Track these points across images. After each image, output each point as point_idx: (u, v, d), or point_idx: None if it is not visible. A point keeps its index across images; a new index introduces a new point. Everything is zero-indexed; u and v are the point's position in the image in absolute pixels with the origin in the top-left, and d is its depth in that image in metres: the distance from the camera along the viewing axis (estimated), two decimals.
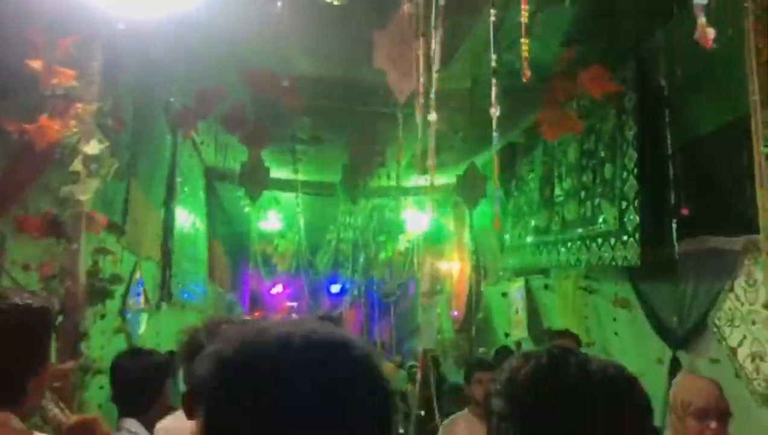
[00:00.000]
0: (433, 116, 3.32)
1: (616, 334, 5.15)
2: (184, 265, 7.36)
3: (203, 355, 0.77)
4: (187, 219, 7.60)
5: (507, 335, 7.74)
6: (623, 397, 1.03)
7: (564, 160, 5.58)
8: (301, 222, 9.74)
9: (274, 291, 21.99)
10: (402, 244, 10.80)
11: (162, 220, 6.37)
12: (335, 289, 18.74)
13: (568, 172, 5.51)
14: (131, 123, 4.60)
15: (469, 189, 6.57)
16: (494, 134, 3.05)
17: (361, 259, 11.85)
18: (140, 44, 4.03)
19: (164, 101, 5.89)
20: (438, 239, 10.81)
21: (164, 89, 5.70)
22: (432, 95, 3.35)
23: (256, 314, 24.35)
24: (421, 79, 3.41)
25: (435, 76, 3.36)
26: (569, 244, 5.41)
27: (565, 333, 4.79)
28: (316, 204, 10.26)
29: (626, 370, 1.07)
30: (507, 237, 7.07)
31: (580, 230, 5.13)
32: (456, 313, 10.14)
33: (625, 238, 4.46)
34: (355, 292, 14.68)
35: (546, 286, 6.60)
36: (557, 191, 5.75)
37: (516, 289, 7.40)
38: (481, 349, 8.52)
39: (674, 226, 4.12)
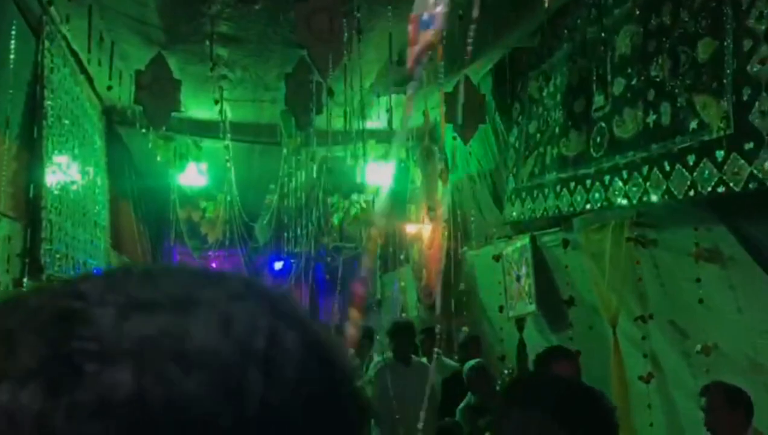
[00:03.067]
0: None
1: (701, 301, 3.49)
2: (70, 229, 5.33)
3: None
4: (74, 169, 5.55)
5: (501, 310, 6.06)
6: None
7: (611, 56, 3.86)
8: (233, 177, 7.76)
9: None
10: (358, 205, 8.96)
11: (24, 161, 4.35)
12: (278, 266, 16.73)
13: (618, 70, 3.79)
14: None
15: (463, 112, 4.79)
16: None
17: (309, 227, 9.92)
18: None
19: None
20: (401, 196, 9.02)
21: None
22: None
23: None
24: None
25: None
26: (624, 172, 3.70)
27: (559, 355, 3.26)
28: (251, 155, 8.28)
29: None
30: (510, 180, 5.32)
31: (654, 147, 3.41)
32: (425, 285, 8.42)
33: (750, 144, 2.77)
34: (301, 267, 12.64)
35: (565, 243, 4.91)
36: (597, 102, 4.03)
37: (516, 250, 5.70)
38: (464, 328, 6.83)
39: None
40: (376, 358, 7.16)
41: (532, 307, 5.44)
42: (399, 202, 9.26)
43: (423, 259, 8.45)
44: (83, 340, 0.32)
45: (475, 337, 6.21)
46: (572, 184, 4.32)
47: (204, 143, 7.49)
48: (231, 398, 0.32)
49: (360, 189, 8.79)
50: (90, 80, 6.22)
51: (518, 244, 5.63)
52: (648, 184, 3.48)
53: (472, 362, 5.03)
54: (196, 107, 6.52)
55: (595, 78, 4.07)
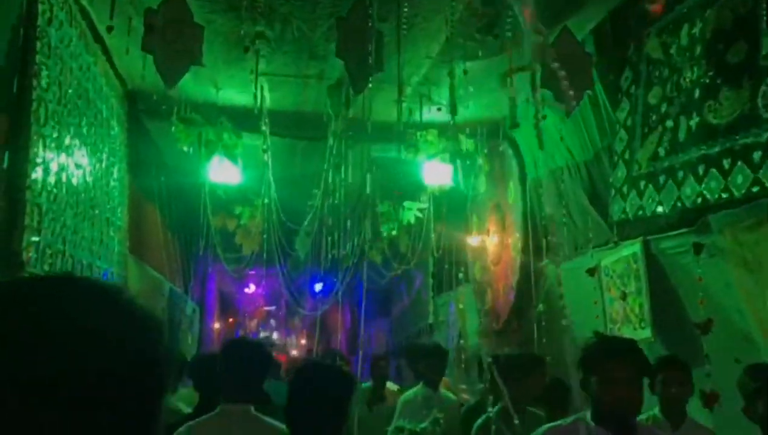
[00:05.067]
0: None
1: None
2: (71, 222, 4.37)
3: None
4: (80, 152, 4.61)
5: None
6: None
7: None
8: (271, 176, 6.75)
9: (248, 290, 18.81)
10: (412, 214, 7.84)
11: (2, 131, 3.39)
12: (319, 287, 15.64)
13: None
14: None
15: (565, 75, 3.65)
16: None
17: (355, 239, 8.83)
18: None
19: None
20: (461, 203, 7.88)
21: None
22: None
23: (230, 321, 21.21)
24: None
25: None
26: None
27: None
28: (293, 153, 7.28)
29: None
30: (620, 167, 4.14)
31: None
32: (490, 308, 7.22)
33: None
34: (342, 287, 11.43)
35: (697, 247, 3.69)
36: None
37: (621, 260, 4.50)
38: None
39: None
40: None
41: (646, 333, 4.21)
42: (458, 211, 8.13)
43: (487, 277, 7.27)
44: None
45: (559, 382, 4.77)
46: (726, 162, 3.13)
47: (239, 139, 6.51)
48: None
49: (415, 195, 7.68)
50: (109, 57, 5.32)
51: (624, 252, 4.43)
52: None
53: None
54: (228, 87, 5.56)
55: (765, 12, 2.91)
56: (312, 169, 7.48)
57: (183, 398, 4.79)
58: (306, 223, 9.34)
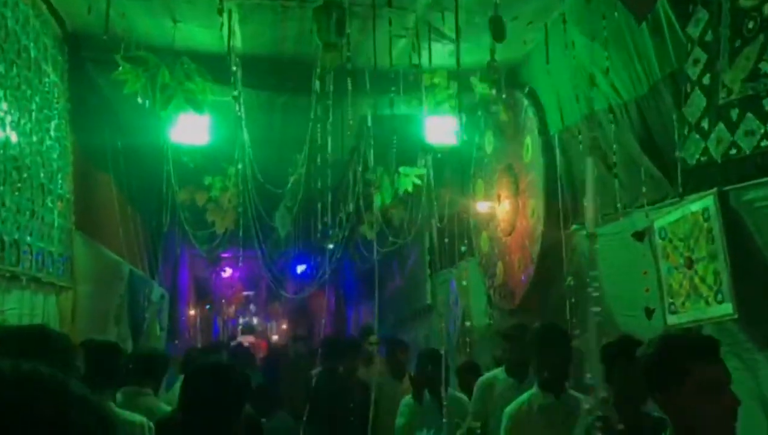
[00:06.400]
0: None
1: None
2: None
3: None
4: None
5: (651, 314, 3.96)
6: None
7: None
8: (246, 137, 5.72)
9: (224, 274, 17.70)
10: (410, 182, 6.87)
11: None
12: (301, 269, 14.62)
13: None
14: None
15: None
16: None
17: (344, 212, 7.85)
18: None
19: None
20: (463, 167, 6.95)
21: None
22: None
23: (206, 307, 20.08)
24: None
25: None
26: None
27: None
28: (271, 111, 6.27)
29: None
30: (696, 97, 3.21)
31: None
32: (501, 284, 6.33)
33: None
34: (329, 269, 10.37)
35: None
36: None
37: (684, 220, 3.60)
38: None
39: None
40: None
41: (724, 308, 3.32)
42: (460, 176, 7.20)
43: (498, 250, 6.37)
44: None
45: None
46: None
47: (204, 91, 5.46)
48: None
49: (413, 160, 6.72)
50: None
51: (693, 208, 3.53)
52: None
53: None
54: (188, 19, 4.53)
55: None
56: (293, 131, 6.47)
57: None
58: (286, 195, 8.35)
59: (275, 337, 21.82)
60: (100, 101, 5.66)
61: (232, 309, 22.15)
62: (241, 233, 7.42)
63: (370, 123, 6.16)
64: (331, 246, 9.06)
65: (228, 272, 16.87)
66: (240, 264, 12.82)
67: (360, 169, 6.64)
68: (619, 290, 4.47)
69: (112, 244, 5.98)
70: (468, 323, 6.94)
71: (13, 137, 3.76)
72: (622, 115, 4.03)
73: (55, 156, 4.56)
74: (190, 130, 5.07)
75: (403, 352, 5.79)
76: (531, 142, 5.49)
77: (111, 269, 5.79)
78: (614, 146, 4.16)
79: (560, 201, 5.02)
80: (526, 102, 5.51)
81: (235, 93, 4.55)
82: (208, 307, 19.50)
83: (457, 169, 7.10)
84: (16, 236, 3.74)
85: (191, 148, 6.22)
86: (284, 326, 22.46)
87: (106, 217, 5.95)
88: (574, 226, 4.89)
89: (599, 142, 4.38)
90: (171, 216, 6.97)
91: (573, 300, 4.75)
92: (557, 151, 5.13)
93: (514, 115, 5.77)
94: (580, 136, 4.43)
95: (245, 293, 21.28)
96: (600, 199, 4.40)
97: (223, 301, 20.56)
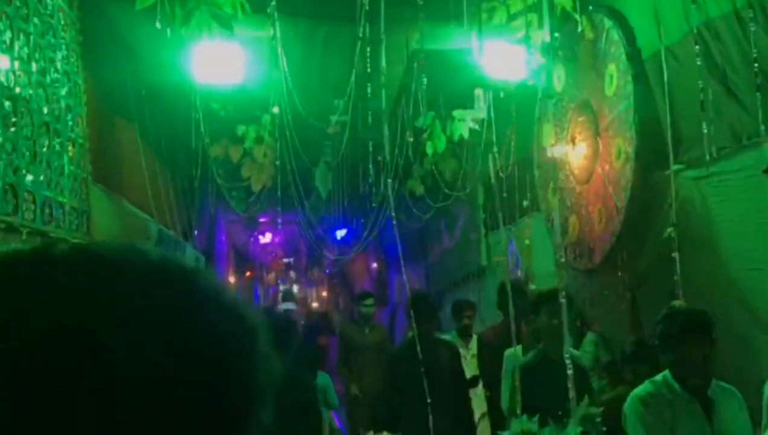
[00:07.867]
0: None
1: None
2: None
3: None
4: None
5: None
6: None
7: None
8: (285, 75, 4.99)
9: (263, 239, 17.14)
10: (465, 126, 6.08)
11: None
12: (341, 234, 13.90)
13: None
14: None
15: None
16: None
17: (389, 165, 7.09)
18: None
19: None
20: (525, 109, 6.12)
21: None
22: None
23: (247, 274, 19.64)
24: None
25: None
26: None
27: None
28: (311, 45, 5.53)
29: None
30: None
31: None
32: (576, 241, 5.55)
33: None
34: (374, 231, 9.58)
35: None
36: None
37: None
38: (676, 302, 3.90)
39: None
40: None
41: None
42: (522, 120, 6.36)
43: (571, 201, 5.58)
44: None
45: None
46: None
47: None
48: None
49: (467, 102, 5.92)
50: None
51: None
52: None
53: None
54: None
55: None
56: (335, 72, 5.73)
57: None
58: (326, 149, 7.66)
59: (314, 304, 21.38)
60: (117, 36, 4.99)
61: (272, 276, 21.78)
62: (279, 192, 6.74)
63: (420, 59, 5.38)
64: (374, 205, 8.35)
65: (267, 237, 16.31)
66: (279, 227, 12.22)
67: (410, 113, 5.88)
68: (736, 244, 3.65)
69: (138, 201, 5.38)
70: (532, 287, 6.19)
71: (3, 61, 3.11)
72: (745, 20, 3.17)
73: (63, 92, 3.91)
74: (220, 64, 4.36)
75: (470, 314, 5.47)
76: (615, 72, 4.64)
77: (136, 228, 5.19)
78: (732, 62, 3.32)
79: (656, 138, 4.19)
80: (608, 23, 4.65)
81: (271, 21, 3.80)
82: (248, 274, 19.09)
83: (518, 113, 6.27)
84: (11, 180, 3.12)
85: (221, 93, 5.57)
86: (324, 293, 22.04)
87: (130, 170, 5.34)
88: (675, 166, 4.06)
89: (716, 59, 3.54)
90: (203, 172, 6.33)
91: (675, 256, 3.95)
92: (650, 79, 4.28)
93: (590, 43, 4.91)
94: (693, 51, 3.56)
95: (285, 260, 20.83)
96: (713, 130, 3.58)
97: (263, 268, 20.16)
